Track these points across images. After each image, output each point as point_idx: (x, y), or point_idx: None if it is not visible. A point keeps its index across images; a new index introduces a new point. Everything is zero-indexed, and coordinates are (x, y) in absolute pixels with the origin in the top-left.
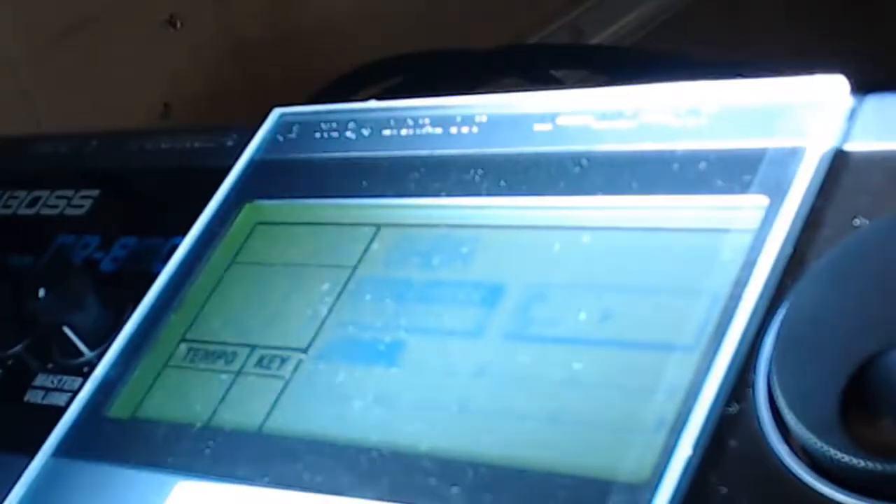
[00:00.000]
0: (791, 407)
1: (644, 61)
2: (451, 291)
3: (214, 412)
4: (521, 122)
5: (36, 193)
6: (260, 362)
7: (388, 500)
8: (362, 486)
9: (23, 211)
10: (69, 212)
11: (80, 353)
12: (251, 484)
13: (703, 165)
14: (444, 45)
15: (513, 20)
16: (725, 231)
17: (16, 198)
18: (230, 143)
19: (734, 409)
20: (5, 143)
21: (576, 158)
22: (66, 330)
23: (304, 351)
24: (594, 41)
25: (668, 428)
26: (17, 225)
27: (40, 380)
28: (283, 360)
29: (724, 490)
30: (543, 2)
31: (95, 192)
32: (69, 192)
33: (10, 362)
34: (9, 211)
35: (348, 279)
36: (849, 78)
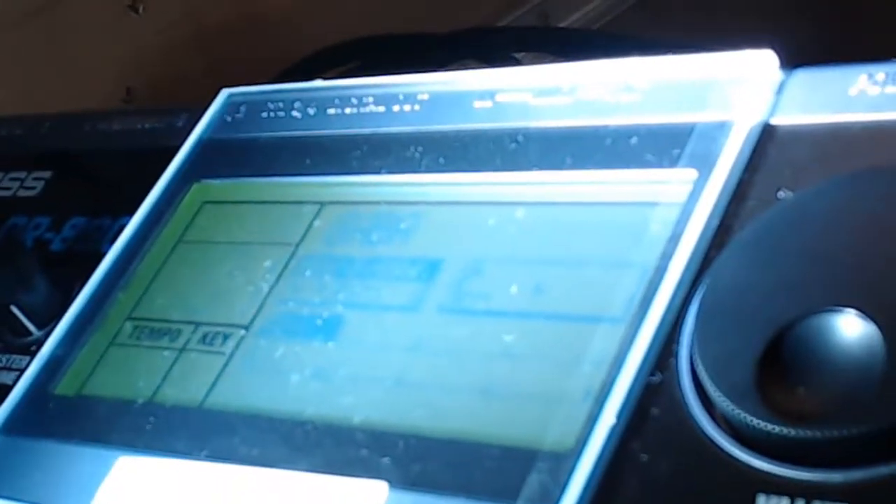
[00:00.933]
0: (710, 375)
1: (604, 44)
2: (390, 267)
3: (157, 388)
4: (461, 100)
5: None
6: (203, 339)
7: (322, 472)
8: (297, 459)
9: None
10: (22, 193)
11: (28, 333)
12: (190, 458)
13: (634, 140)
14: (408, 30)
15: (478, 5)
16: (654, 204)
17: None
18: (180, 123)
19: (657, 378)
20: None
21: (512, 135)
22: (14, 309)
23: (246, 328)
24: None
25: (593, 398)
26: None
27: None
28: (226, 337)
29: (646, 457)
30: None
31: (48, 174)
32: (22, 174)
33: None
34: None
35: (291, 256)
36: (787, 54)
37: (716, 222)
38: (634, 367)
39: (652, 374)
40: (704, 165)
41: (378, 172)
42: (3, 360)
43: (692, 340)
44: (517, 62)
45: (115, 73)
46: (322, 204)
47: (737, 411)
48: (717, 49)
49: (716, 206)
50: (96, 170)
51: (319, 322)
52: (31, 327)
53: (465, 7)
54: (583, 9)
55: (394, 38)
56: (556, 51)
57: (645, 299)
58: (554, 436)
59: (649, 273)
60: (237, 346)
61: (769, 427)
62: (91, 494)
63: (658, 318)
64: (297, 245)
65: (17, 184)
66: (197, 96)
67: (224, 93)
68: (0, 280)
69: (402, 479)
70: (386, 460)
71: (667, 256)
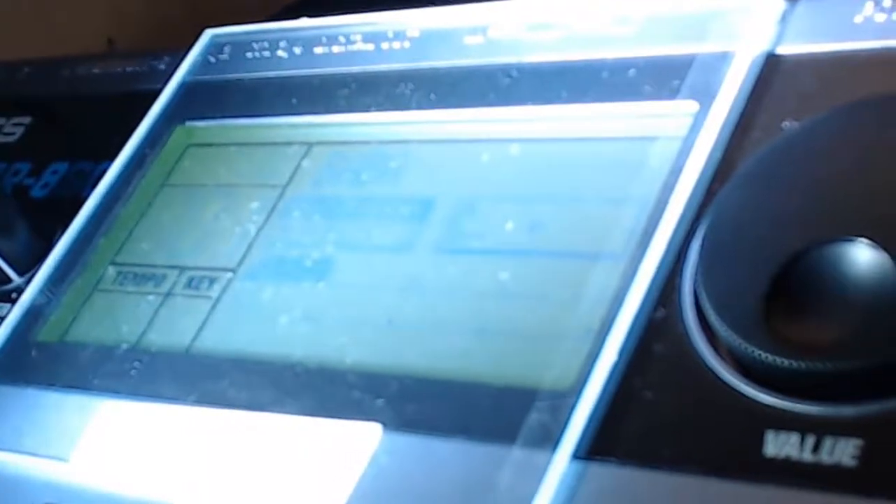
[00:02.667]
0: (715, 309)
1: None
2: (381, 207)
3: (142, 334)
4: (452, 36)
5: None
6: (189, 284)
7: (314, 415)
8: (288, 402)
9: None
10: (0, 140)
11: (9, 279)
12: (177, 403)
13: (632, 73)
14: None
15: None
16: (653, 138)
17: None
18: (162, 66)
19: (660, 314)
20: None
21: (506, 70)
22: None
23: (233, 271)
24: None
25: (593, 334)
26: None
27: None
28: (212, 281)
29: (649, 395)
30: None
31: (27, 119)
32: (1, 120)
33: None
34: None
35: (278, 198)
36: None
37: (718, 155)
38: (636, 303)
39: (654, 310)
40: (705, 97)
41: (367, 111)
42: None
43: (696, 274)
44: None
45: (95, 22)
46: (310, 144)
47: (744, 345)
48: None
49: (718, 138)
50: (77, 115)
51: (309, 263)
52: (12, 274)
53: None
54: None
55: None
56: None
57: (646, 234)
58: (553, 374)
59: (650, 208)
60: (224, 289)
61: (777, 360)
62: (75, 440)
63: (660, 253)
64: (285, 186)
65: None
66: (178, 44)
67: (207, 33)
68: None
69: (396, 421)
70: (379, 402)
71: (668, 190)
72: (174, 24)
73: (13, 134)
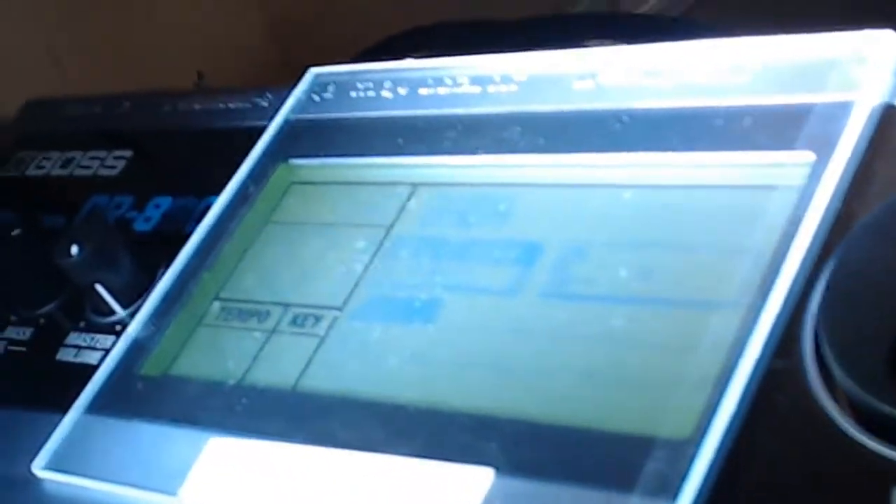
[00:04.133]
0: (838, 361)
1: (684, 32)
2: (488, 249)
3: (248, 370)
4: (560, 81)
5: (69, 154)
6: (294, 321)
7: (425, 458)
8: (397, 444)
9: (56, 172)
10: (102, 172)
11: (113, 312)
12: (285, 441)
13: (747, 122)
14: (479, 16)
15: None
16: (771, 188)
17: (49, 159)
18: (265, 103)
19: (780, 364)
20: (38, 105)
21: (616, 115)
22: (99, 288)
23: (339, 309)
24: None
25: (711, 383)
26: (50, 185)
27: (72, 338)
28: (318, 319)
29: (770, 446)
30: None
31: (129, 153)
32: (102, 153)
33: (41, 321)
34: (42, 172)
35: (384, 238)
36: None
37: (837, 206)
38: (756, 352)
39: (774, 360)
40: (823, 148)
41: (474, 153)
42: (88, 339)
43: (818, 325)
44: None
45: (185, 56)
46: (415, 185)
47: (869, 398)
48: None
49: (836, 189)
50: (178, 149)
51: (417, 305)
52: (116, 307)
53: None
54: None
55: (468, 24)
56: (633, 39)
57: (765, 284)
58: (671, 423)
59: (768, 257)
60: (330, 327)
61: None
62: (183, 476)
63: (780, 303)
64: (391, 227)
65: (97, 163)
66: (267, 82)
67: (311, 72)
68: (85, 257)
69: (509, 465)
70: (491, 446)
71: (786, 240)
72: (263, 62)
73: (115, 167)
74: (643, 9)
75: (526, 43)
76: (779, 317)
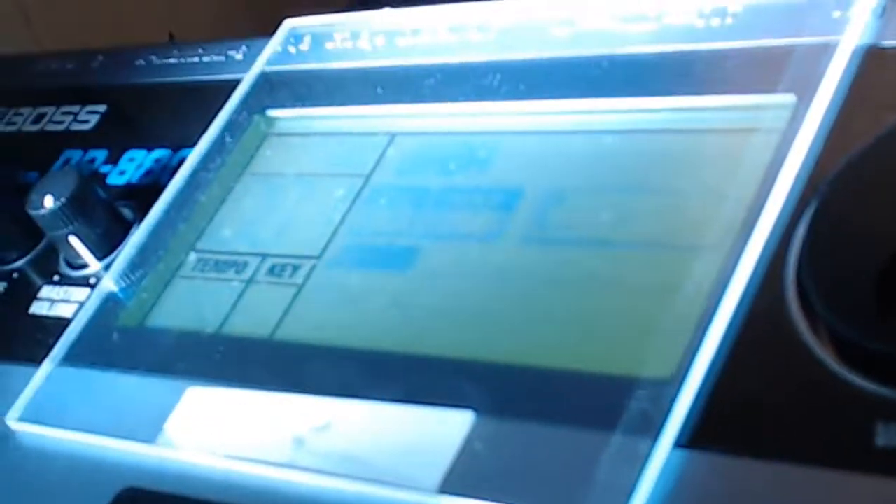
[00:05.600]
0: (823, 299)
1: None
2: (468, 197)
3: (225, 320)
4: (538, 28)
5: (41, 110)
6: (272, 270)
7: (404, 403)
8: (377, 390)
9: (28, 127)
10: (75, 127)
11: (87, 265)
12: (263, 389)
13: (727, 65)
14: None
15: None
16: (751, 130)
17: (20, 114)
18: (239, 56)
19: (763, 303)
20: (8, 60)
21: (596, 61)
22: (73, 240)
23: (317, 258)
24: None
25: (693, 323)
26: (22, 140)
27: (46, 291)
28: (296, 268)
29: (753, 384)
30: None
31: (102, 108)
32: (75, 108)
33: (14, 275)
34: (13, 127)
35: (362, 187)
36: None
37: (819, 147)
38: (738, 292)
39: (756, 300)
40: (805, 90)
41: (452, 101)
42: (61, 292)
43: (800, 264)
44: None
45: (158, 18)
46: (393, 134)
47: (854, 334)
48: None
49: (818, 131)
50: (153, 103)
51: (395, 252)
52: (91, 259)
53: None
54: None
55: None
56: None
57: (746, 225)
58: (653, 363)
59: (749, 199)
60: (308, 276)
61: (887, 349)
62: (160, 424)
63: (762, 243)
64: (369, 176)
65: (69, 118)
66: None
67: (286, 23)
68: (58, 209)
69: (490, 409)
70: (471, 390)
71: (768, 182)
72: (234, 24)
73: (88, 122)
74: None
75: None
76: (761, 257)
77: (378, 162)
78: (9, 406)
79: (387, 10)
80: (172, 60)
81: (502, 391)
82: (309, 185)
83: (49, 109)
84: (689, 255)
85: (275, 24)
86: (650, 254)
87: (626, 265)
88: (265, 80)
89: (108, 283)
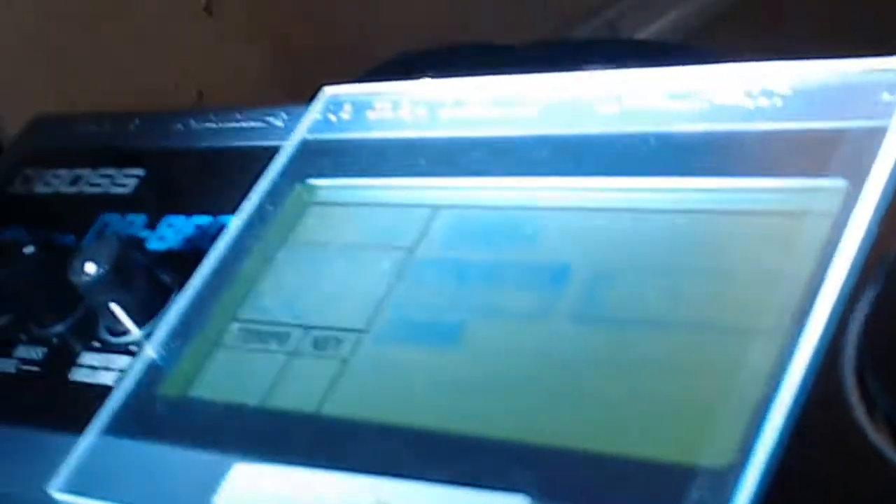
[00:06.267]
0: (882, 387)
1: (687, 58)
2: (515, 273)
3: (269, 393)
4: (583, 104)
5: (77, 172)
6: (315, 343)
7: (454, 485)
8: (425, 470)
9: (65, 189)
10: (113, 190)
11: (128, 332)
12: (311, 467)
13: (777, 147)
14: (475, 40)
15: (548, 17)
16: (803, 213)
17: (57, 176)
18: (279, 122)
19: (821, 390)
20: (45, 121)
21: (644, 139)
22: (114, 307)
23: (362, 332)
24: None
25: (751, 409)
26: (59, 203)
27: (86, 358)
28: (340, 342)
29: (812, 473)
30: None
31: (140, 171)
32: (112, 171)
33: (54, 340)
34: (50, 189)
35: (406, 260)
36: None
37: (873, 232)
38: (796, 378)
39: (814, 386)
40: (856, 174)
41: (498, 175)
42: (102, 359)
43: (859, 349)
44: None
45: (186, 76)
46: (437, 207)
47: None
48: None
49: (871, 215)
50: (191, 168)
51: (442, 327)
52: (131, 326)
53: (536, 18)
54: (654, 23)
55: (469, 47)
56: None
57: (803, 308)
58: (712, 450)
59: (804, 282)
60: (353, 350)
61: None
62: (203, 500)
63: (820, 328)
64: (413, 249)
65: (107, 181)
66: (267, 102)
67: (326, 91)
68: (100, 276)
69: (543, 493)
70: (524, 473)
71: (823, 265)
72: (262, 82)
73: (125, 185)
74: (644, 31)
75: (530, 67)
76: (819, 342)
77: (422, 235)
78: (50, 475)
79: (427, 80)
80: (210, 125)
81: (555, 475)
82: (352, 256)
83: (86, 172)
84: (745, 338)
85: (301, 84)
86: (704, 336)
87: (679, 347)
88: (306, 148)
89: (150, 352)
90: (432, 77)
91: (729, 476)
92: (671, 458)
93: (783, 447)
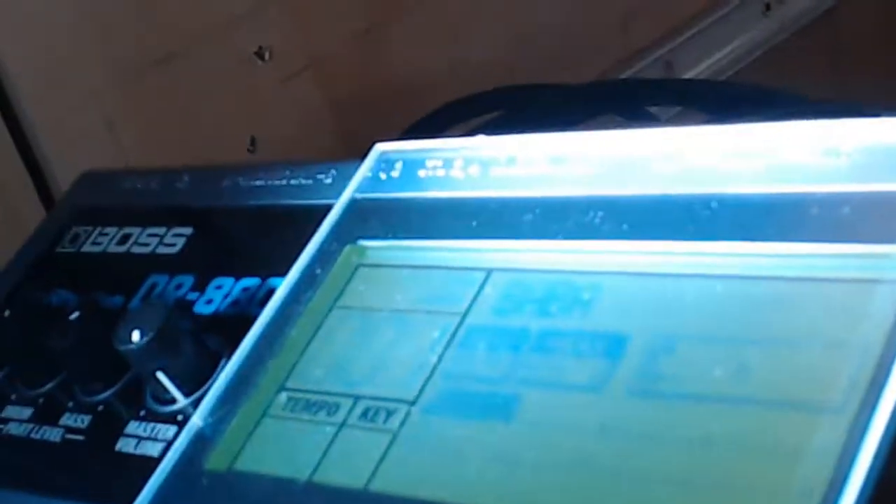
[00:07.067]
0: None
1: (748, 97)
2: (571, 342)
3: (317, 467)
4: (642, 162)
5: (126, 230)
6: (365, 414)
7: None
8: None
9: (113, 248)
10: (161, 250)
11: (175, 400)
12: None
13: (845, 210)
14: (534, 82)
15: (603, 55)
16: (874, 281)
17: (106, 234)
18: (328, 180)
19: (893, 472)
20: (94, 177)
21: (705, 201)
22: (160, 375)
23: (413, 403)
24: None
25: (822, 493)
26: (107, 263)
27: (132, 428)
28: (390, 413)
29: None
30: (634, 37)
31: (189, 230)
32: (161, 230)
33: (100, 408)
34: (98, 248)
35: (458, 326)
36: None
37: None
38: (868, 458)
39: (886, 468)
40: None
41: (553, 238)
42: (148, 429)
43: None
44: (653, 116)
45: (239, 122)
46: (490, 270)
47: None
48: (861, 109)
49: None
50: (240, 227)
51: (496, 400)
52: (178, 395)
53: (590, 57)
54: (708, 60)
55: (529, 88)
56: (695, 105)
57: (873, 385)
58: None
59: (875, 355)
60: (403, 422)
61: None
62: None
63: (892, 405)
64: (465, 314)
65: (155, 240)
66: (322, 147)
67: (377, 148)
68: (145, 344)
69: None
70: None
71: (894, 338)
72: (317, 127)
73: (174, 245)
74: (697, 70)
75: (585, 108)
76: (890, 422)
77: (474, 299)
78: None
79: (480, 137)
80: (259, 182)
81: None
82: (402, 322)
83: (135, 230)
84: (813, 414)
85: (357, 136)
86: (769, 412)
87: (741, 424)
88: (356, 208)
89: (197, 422)
90: (486, 133)
91: None
92: None
93: None
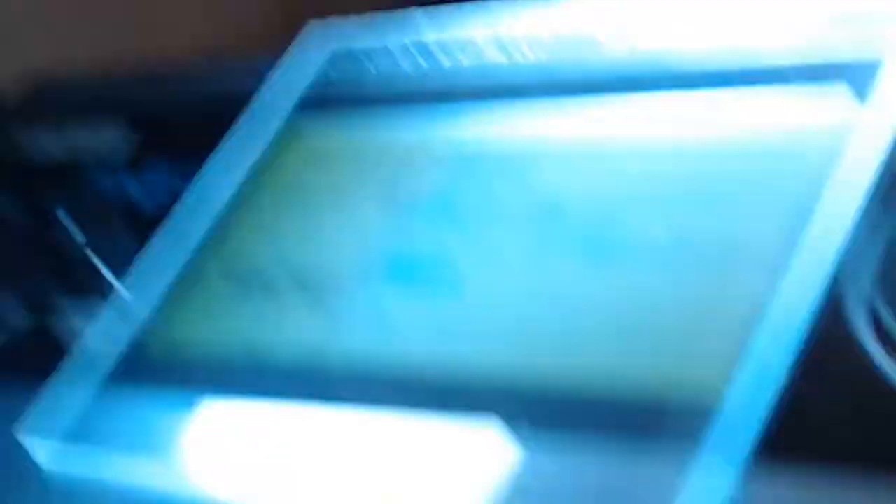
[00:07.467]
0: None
1: None
2: (510, 211)
3: (255, 338)
4: (591, 44)
5: (68, 129)
6: (303, 287)
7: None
8: (418, 414)
9: (54, 147)
10: (100, 144)
11: (111, 284)
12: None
13: (786, 68)
14: None
15: None
16: (812, 132)
17: (48, 134)
18: (269, 68)
19: (828, 315)
20: (37, 78)
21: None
22: (93, 258)
23: (351, 275)
24: None
25: (747, 343)
26: (49, 163)
27: (66, 310)
28: (328, 285)
29: (815, 399)
30: None
31: (127, 124)
32: (97, 126)
33: (32, 294)
34: (40, 147)
35: (398, 203)
36: None
37: (887, 154)
38: (804, 306)
39: (821, 312)
40: (866, 94)
41: (492, 110)
42: (81, 310)
43: (872, 276)
44: None
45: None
46: (432, 146)
47: None
48: None
49: (885, 138)
50: (184, 121)
51: (436, 270)
52: (112, 275)
53: None
54: None
55: None
56: None
57: (808, 230)
58: (711, 380)
59: (811, 203)
60: (342, 294)
61: None
62: (179, 440)
63: (829, 251)
64: (407, 191)
65: (92, 134)
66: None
67: (309, 26)
68: (78, 225)
69: (540, 438)
70: (521, 418)
71: (830, 189)
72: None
73: (112, 138)
74: None
75: None
76: (826, 268)
77: (415, 177)
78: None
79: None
80: (203, 75)
81: (550, 418)
82: (342, 201)
83: (77, 128)
84: (747, 261)
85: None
86: (708, 267)
87: (683, 280)
88: (294, 91)
89: (131, 299)
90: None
91: (727, 404)
92: (667, 391)
93: (785, 383)
